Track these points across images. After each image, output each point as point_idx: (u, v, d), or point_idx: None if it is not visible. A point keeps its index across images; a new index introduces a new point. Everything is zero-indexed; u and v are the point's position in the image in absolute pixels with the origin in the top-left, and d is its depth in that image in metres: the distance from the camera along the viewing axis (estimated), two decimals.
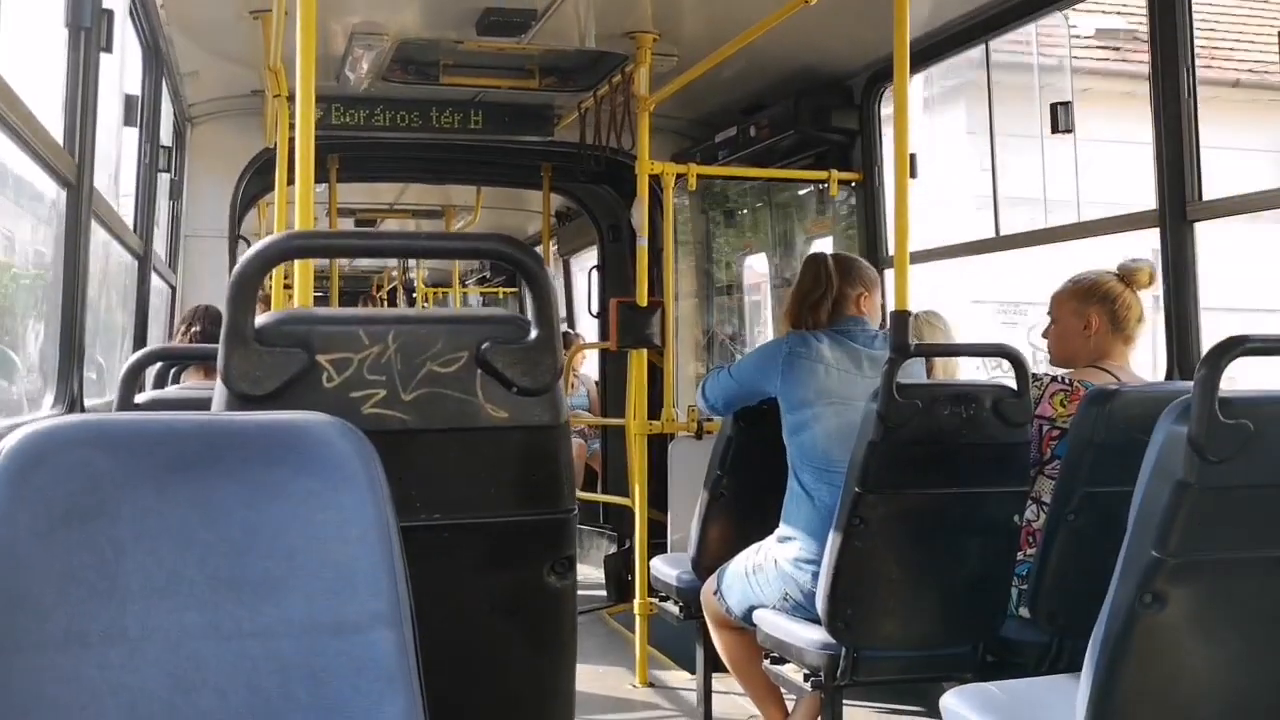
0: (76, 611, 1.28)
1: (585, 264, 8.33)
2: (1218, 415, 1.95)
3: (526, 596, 1.73)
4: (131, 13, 4.05)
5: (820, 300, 3.65)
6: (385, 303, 15.37)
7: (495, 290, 13.25)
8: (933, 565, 3.15)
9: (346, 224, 9.62)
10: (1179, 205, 3.46)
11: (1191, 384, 2.02)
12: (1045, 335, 3.57)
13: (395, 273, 14.56)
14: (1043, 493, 3.28)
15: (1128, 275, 3.42)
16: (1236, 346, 1.99)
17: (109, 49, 3.11)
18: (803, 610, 3.39)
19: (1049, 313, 3.55)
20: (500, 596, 1.73)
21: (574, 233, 8.88)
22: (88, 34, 2.91)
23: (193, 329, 4.50)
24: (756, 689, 3.86)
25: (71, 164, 2.86)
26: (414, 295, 13.78)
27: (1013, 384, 3.14)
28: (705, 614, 3.94)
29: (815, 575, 3.32)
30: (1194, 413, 1.95)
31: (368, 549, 1.37)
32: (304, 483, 1.38)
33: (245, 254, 1.63)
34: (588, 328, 8.79)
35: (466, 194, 8.94)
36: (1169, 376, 3.50)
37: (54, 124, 2.84)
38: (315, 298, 3.10)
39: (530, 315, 1.72)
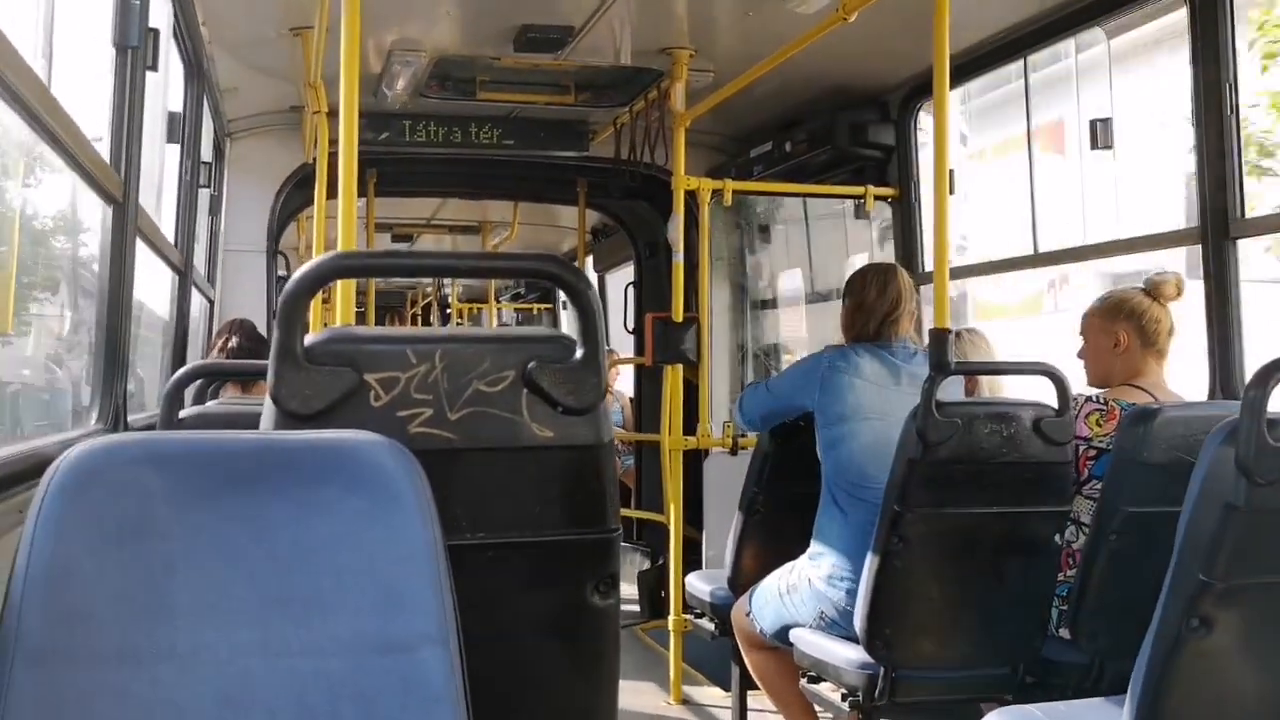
0: (128, 628, 1.29)
1: (621, 280, 8.34)
2: (1266, 437, 1.93)
3: (570, 615, 1.73)
4: (175, 31, 4.10)
5: (899, 315, 3.61)
6: (420, 319, 15.46)
7: (529, 306, 13.29)
8: (972, 585, 3.13)
9: (383, 239, 9.68)
10: (1221, 222, 3.43)
11: (1234, 404, 2.01)
12: (1080, 355, 3.54)
13: (430, 288, 14.64)
14: (1081, 513, 3.25)
15: (1154, 289, 3.39)
16: None
17: (155, 68, 3.14)
18: (839, 628, 3.38)
19: (1080, 332, 3.53)
20: (544, 615, 1.74)
21: (611, 249, 8.90)
22: (134, 53, 2.94)
23: (229, 343, 4.54)
24: (791, 709, 3.85)
25: (118, 182, 2.89)
26: (448, 311, 13.85)
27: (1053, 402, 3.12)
28: (736, 634, 3.93)
29: (849, 592, 3.30)
30: (1241, 435, 1.94)
31: (415, 568, 1.38)
32: (353, 502, 1.39)
33: (294, 275, 1.64)
34: (622, 344, 8.80)
35: (503, 210, 8.98)
36: (1212, 395, 3.46)
37: (99, 139, 2.87)
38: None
39: (576, 334, 1.72)
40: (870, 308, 3.64)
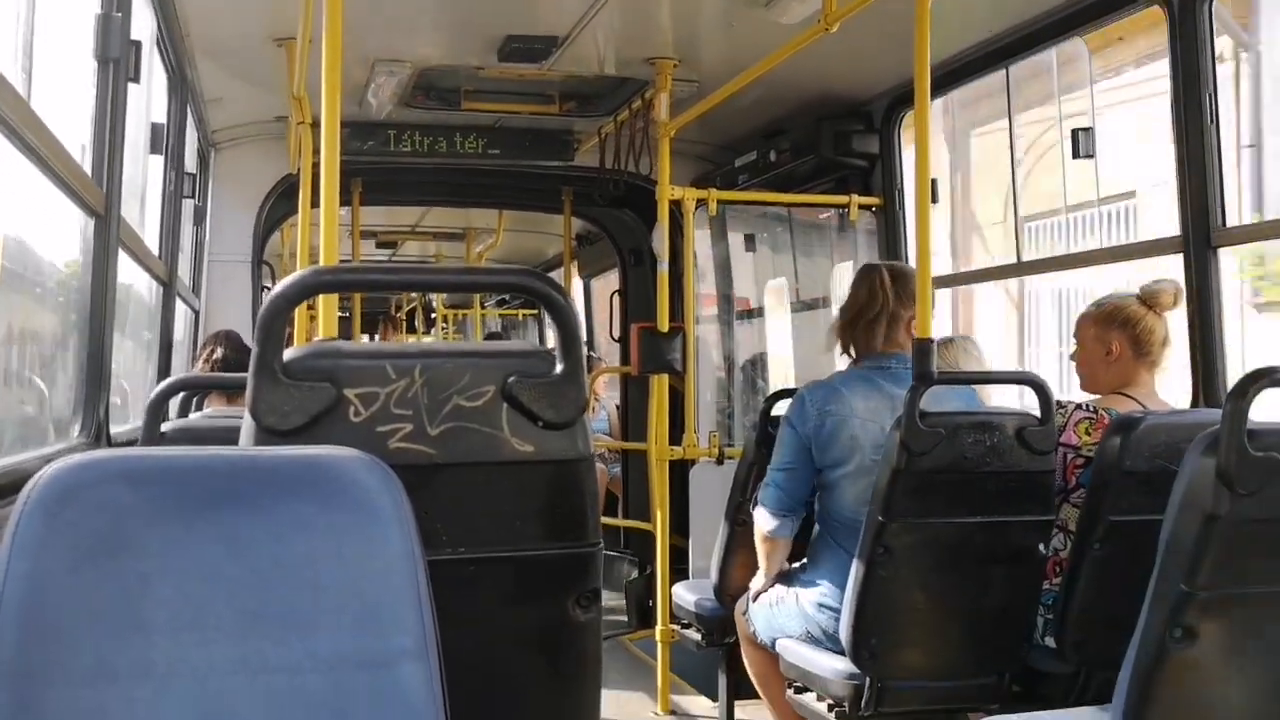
0: (104, 645, 1.28)
1: (607, 285, 8.34)
2: (1246, 447, 1.93)
3: (552, 629, 1.73)
4: (158, 41, 4.08)
5: (875, 320, 3.45)
6: (404, 324, 15.42)
7: (514, 313, 13.27)
8: (958, 594, 3.13)
9: (368, 246, 9.66)
10: (1203, 232, 3.44)
11: (1217, 412, 2.01)
12: (1073, 358, 3.55)
13: (415, 295, 14.61)
14: (1068, 521, 3.26)
15: (1150, 298, 3.39)
16: (1264, 377, 1.98)
17: (137, 79, 3.13)
18: (824, 644, 3.36)
19: (1074, 335, 3.53)
20: (525, 629, 1.73)
21: (596, 255, 8.90)
22: (116, 65, 2.92)
23: (214, 355, 4.53)
24: (783, 710, 3.82)
25: (100, 195, 2.88)
26: (433, 316, 13.82)
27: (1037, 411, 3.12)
28: (737, 630, 3.89)
29: (836, 619, 3.26)
30: (1222, 445, 1.94)
31: (394, 583, 1.37)
32: (331, 517, 1.38)
33: (272, 291, 1.64)
34: (609, 350, 8.80)
35: (488, 217, 8.96)
36: (1194, 404, 3.47)
37: (79, 149, 2.86)
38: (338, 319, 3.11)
39: (555, 348, 1.72)
40: (851, 317, 3.51)
